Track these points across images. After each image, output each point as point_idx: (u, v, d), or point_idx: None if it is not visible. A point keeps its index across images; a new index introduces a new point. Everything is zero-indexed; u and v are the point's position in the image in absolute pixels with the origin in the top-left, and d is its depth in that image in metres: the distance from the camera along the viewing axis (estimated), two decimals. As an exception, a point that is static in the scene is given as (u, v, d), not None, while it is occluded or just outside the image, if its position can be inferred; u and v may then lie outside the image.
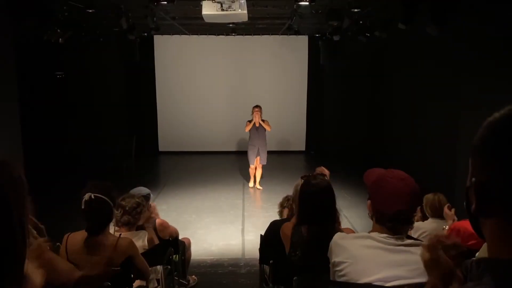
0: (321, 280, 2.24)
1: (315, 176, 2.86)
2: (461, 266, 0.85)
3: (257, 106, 8.52)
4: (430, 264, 1.33)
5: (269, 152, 8.61)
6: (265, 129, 8.55)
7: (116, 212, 3.32)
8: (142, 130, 11.82)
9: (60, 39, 7.70)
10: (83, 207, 2.59)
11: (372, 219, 1.96)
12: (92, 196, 2.57)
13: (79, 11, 6.82)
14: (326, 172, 3.15)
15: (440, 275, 1.30)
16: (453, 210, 3.66)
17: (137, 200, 3.43)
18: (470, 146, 0.77)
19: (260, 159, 8.65)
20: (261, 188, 8.78)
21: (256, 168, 8.76)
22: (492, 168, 0.72)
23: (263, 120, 8.52)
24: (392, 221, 1.85)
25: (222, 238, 6.20)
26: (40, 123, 9.25)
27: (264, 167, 8.90)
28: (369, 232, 1.96)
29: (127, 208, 3.33)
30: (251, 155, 8.64)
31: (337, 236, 2.00)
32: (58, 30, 7.29)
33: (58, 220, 4.70)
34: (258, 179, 8.83)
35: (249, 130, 8.58)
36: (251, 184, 8.90)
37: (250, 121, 8.58)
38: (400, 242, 1.85)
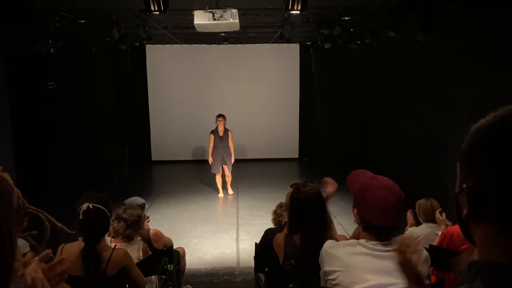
0: None
1: (304, 184, 2.86)
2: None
3: (220, 115, 8.54)
4: (402, 266, 1.36)
5: (262, 160, 8.46)
6: (228, 138, 8.50)
7: (118, 224, 3.30)
8: (135, 139, 11.79)
9: (51, 49, 7.68)
10: (81, 217, 2.58)
11: (359, 226, 1.97)
12: (90, 206, 2.56)
13: (70, 21, 6.82)
14: (334, 184, 3.14)
15: (413, 277, 1.32)
16: (444, 214, 3.69)
17: (139, 213, 3.42)
18: (458, 151, 0.78)
19: (227, 168, 8.63)
20: (232, 192, 8.80)
21: (225, 176, 8.75)
22: (482, 174, 0.72)
23: (226, 130, 8.52)
24: (379, 231, 1.87)
25: (217, 247, 6.18)
26: (31, 134, 9.20)
27: (257, 175, 8.86)
28: (358, 239, 1.98)
29: (129, 222, 3.31)
30: (215, 164, 8.55)
31: (327, 245, 2.01)
32: (50, 41, 7.28)
33: (51, 230, 4.66)
34: (228, 184, 8.81)
35: (213, 139, 8.50)
36: (220, 194, 8.79)
37: (212, 132, 8.56)
38: (389, 248, 1.86)
